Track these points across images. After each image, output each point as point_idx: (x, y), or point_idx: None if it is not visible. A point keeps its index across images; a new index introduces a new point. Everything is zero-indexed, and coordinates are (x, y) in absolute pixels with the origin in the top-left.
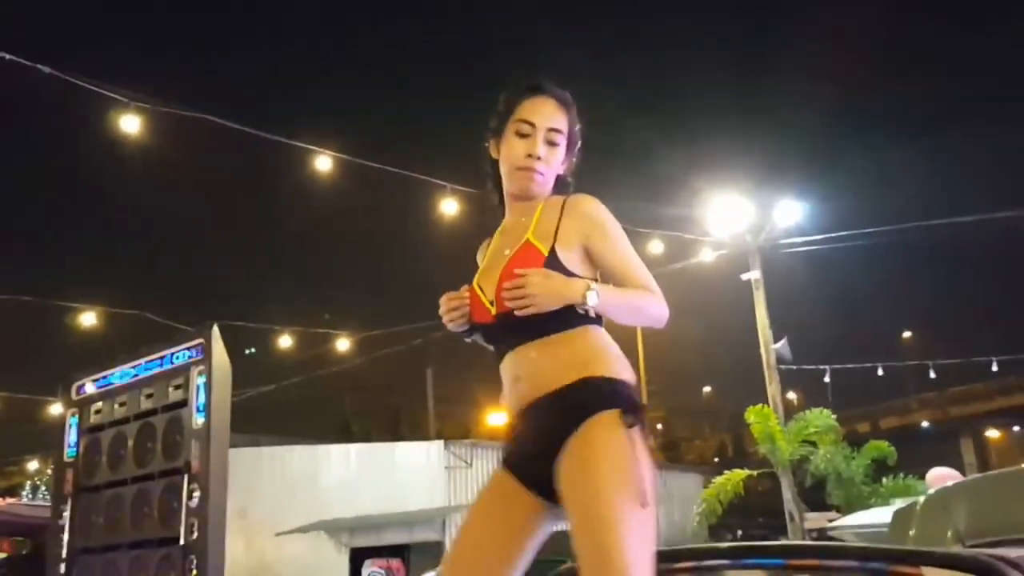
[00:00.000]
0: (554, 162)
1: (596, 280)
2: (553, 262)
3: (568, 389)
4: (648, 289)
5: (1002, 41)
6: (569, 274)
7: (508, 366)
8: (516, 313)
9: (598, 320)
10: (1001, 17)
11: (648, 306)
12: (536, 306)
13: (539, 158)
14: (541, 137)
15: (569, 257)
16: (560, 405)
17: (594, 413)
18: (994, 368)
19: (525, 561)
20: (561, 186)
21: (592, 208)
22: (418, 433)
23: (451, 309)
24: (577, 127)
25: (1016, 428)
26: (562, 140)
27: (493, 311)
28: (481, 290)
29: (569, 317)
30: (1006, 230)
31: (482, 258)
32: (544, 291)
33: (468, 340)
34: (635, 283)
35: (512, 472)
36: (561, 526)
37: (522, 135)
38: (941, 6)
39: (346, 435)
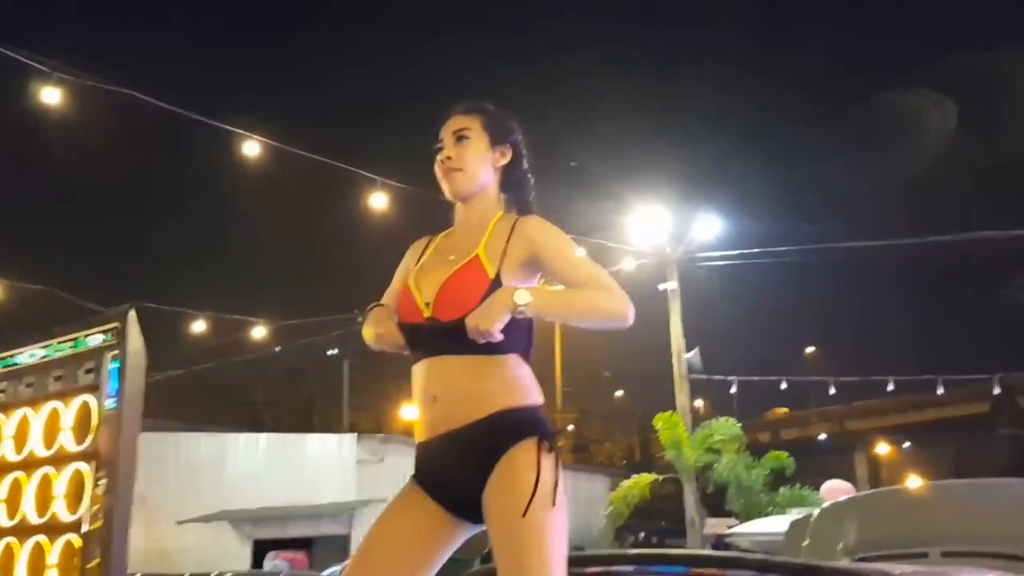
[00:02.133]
0: (469, 156)
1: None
2: (497, 286)
3: (487, 421)
4: (600, 286)
5: (922, 61)
6: None
7: (425, 377)
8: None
9: (527, 348)
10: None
11: (598, 301)
12: (490, 328)
13: (447, 158)
14: (449, 142)
15: (513, 281)
16: (481, 437)
17: (515, 443)
18: (890, 387)
19: (432, 567)
20: (521, 201)
21: (535, 228)
22: (331, 426)
23: (382, 333)
24: (503, 130)
25: (907, 444)
26: (472, 133)
27: (426, 313)
28: (417, 289)
29: (498, 341)
30: (909, 256)
31: (416, 255)
32: (484, 317)
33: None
34: (589, 285)
35: (427, 492)
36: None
37: (438, 151)
38: (865, 28)
39: (257, 425)
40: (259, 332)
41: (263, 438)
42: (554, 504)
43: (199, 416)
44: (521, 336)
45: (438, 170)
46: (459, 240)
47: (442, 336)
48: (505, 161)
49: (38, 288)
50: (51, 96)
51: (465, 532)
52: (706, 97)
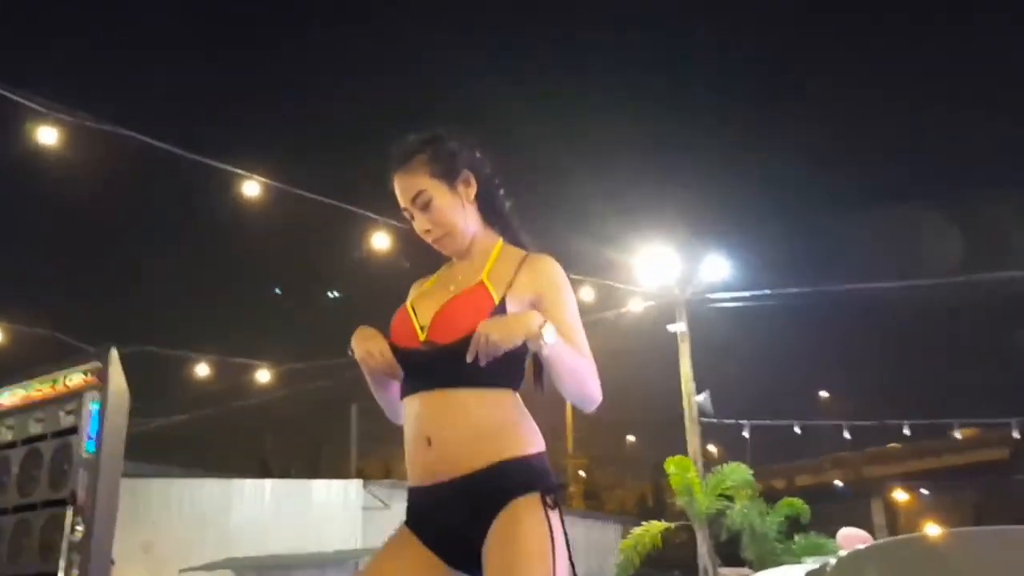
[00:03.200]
0: (445, 214)
1: None
2: (501, 312)
3: (486, 473)
4: (585, 356)
5: (929, 106)
6: None
7: (417, 415)
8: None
9: (519, 383)
10: (925, 87)
11: (589, 376)
12: (501, 342)
13: (427, 231)
14: (415, 212)
15: (516, 311)
16: (481, 488)
17: (518, 495)
18: (906, 431)
19: None
20: (496, 215)
21: (550, 268)
22: (339, 471)
23: (372, 349)
24: (451, 164)
25: (924, 491)
26: (430, 191)
27: (422, 336)
28: (414, 313)
29: (496, 373)
30: (924, 299)
31: (418, 290)
32: (500, 327)
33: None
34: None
35: (421, 540)
36: None
37: (409, 218)
38: (880, 67)
39: (264, 471)
40: (264, 376)
41: (268, 484)
42: (558, 567)
43: (206, 463)
44: (518, 370)
45: (424, 239)
46: (460, 270)
47: (438, 362)
48: (474, 189)
49: (37, 332)
50: (48, 136)
51: None
52: (716, 138)
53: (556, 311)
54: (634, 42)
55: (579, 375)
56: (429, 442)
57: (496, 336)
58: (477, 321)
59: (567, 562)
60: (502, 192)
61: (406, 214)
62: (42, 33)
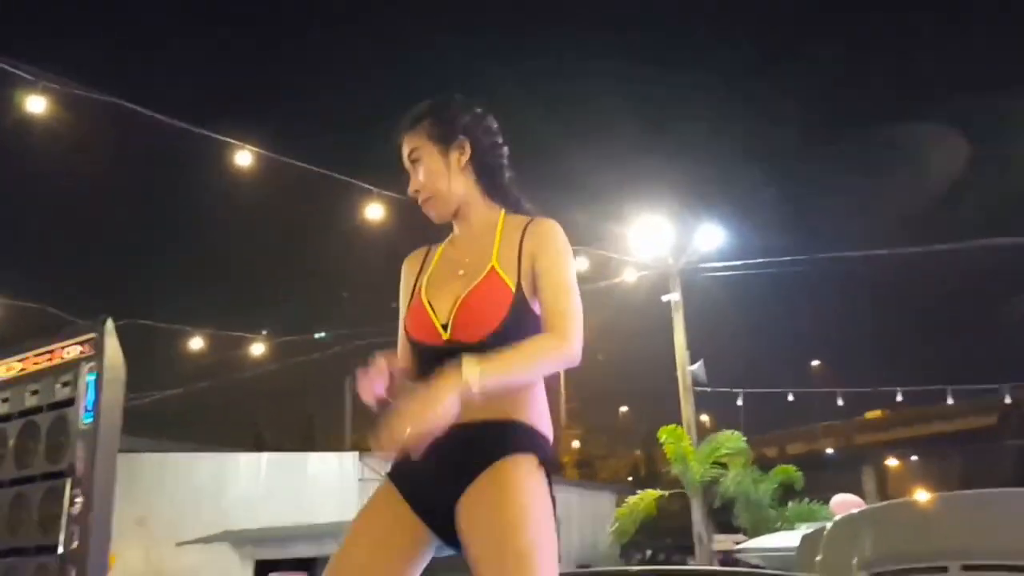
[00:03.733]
0: (430, 177)
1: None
2: (519, 300)
3: (486, 425)
4: (555, 333)
5: (919, 81)
6: (531, 313)
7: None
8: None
9: None
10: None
11: (546, 362)
12: (425, 431)
13: (416, 191)
14: (411, 170)
15: (531, 292)
16: (475, 438)
17: (509, 454)
18: (898, 398)
19: None
20: (496, 189)
21: (548, 232)
22: (334, 444)
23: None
24: (450, 128)
25: (914, 457)
26: (423, 152)
27: (445, 336)
28: (431, 308)
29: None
30: (914, 265)
31: (416, 267)
32: (416, 422)
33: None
34: (553, 313)
35: (403, 494)
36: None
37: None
38: (869, 30)
39: (259, 444)
40: (258, 349)
41: (264, 458)
42: (550, 530)
43: (200, 437)
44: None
45: (416, 201)
46: (465, 250)
47: (458, 355)
48: (466, 156)
49: (29, 305)
50: (37, 105)
51: (433, 545)
52: (709, 107)
53: (545, 275)
54: (627, 13)
55: (541, 369)
56: None
57: (416, 432)
58: (499, 315)
59: (554, 523)
60: (504, 163)
61: (408, 175)
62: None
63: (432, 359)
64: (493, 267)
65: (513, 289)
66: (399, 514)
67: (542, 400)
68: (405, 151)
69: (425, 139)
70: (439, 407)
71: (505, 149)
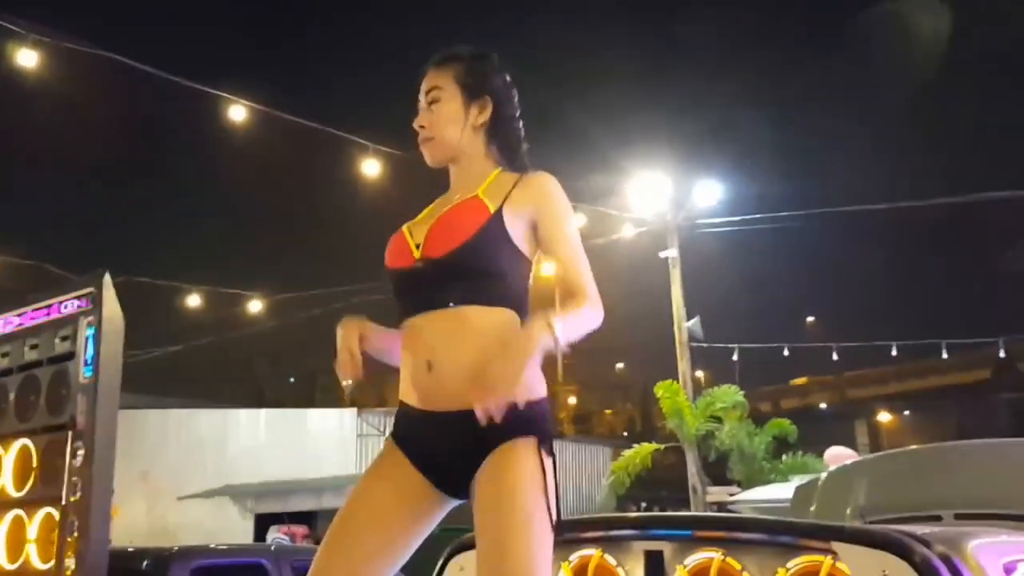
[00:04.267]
0: (442, 120)
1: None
2: (497, 222)
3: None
4: (584, 295)
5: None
6: (508, 240)
7: (416, 337)
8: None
9: (522, 303)
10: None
11: (592, 320)
12: (516, 391)
13: (421, 126)
14: (423, 105)
15: (514, 224)
16: (477, 428)
17: (512, 438)
18: (893, 353)
19: (412, 543)
20: (509, 157)
21: (546, 183)
22: (334, 401)
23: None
24: (479, 82)
25: (907, 412)
26: (444, 93)
27: (417, 254)
28: (409, 234)
29: (497, 290)
30: (911, 219)
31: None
32: (508, 372)
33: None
34: (576, 277)
35: (409, 458)
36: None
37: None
38: None
39: (259, 400)
40: (257, 306)
41: (264, 413)
42: (548, 511)
43: (201, 392)
44: (521, 290)
45: (418, 136)
46: (454, 192)
47: (434, 277)
48: (485, 117)
49: (26, 263)
50: (28, 59)
51: (444, 502)
52: (705, 59)
53: (550, 228)
54: None
55: (583, 329)
56: (429, 367)
57: (504, 390)
58: (469, 228)
59: (555, 508)
60: (521, 136)
61: (417, 105)
62: None
63: (406, 286)
64: (476, 194)
65: (491, 211)
66: (407, 472)
67: (539, 373)
68: (426, 84)
69: (451, 81)
70: (527, 366)
71: (521, 124)
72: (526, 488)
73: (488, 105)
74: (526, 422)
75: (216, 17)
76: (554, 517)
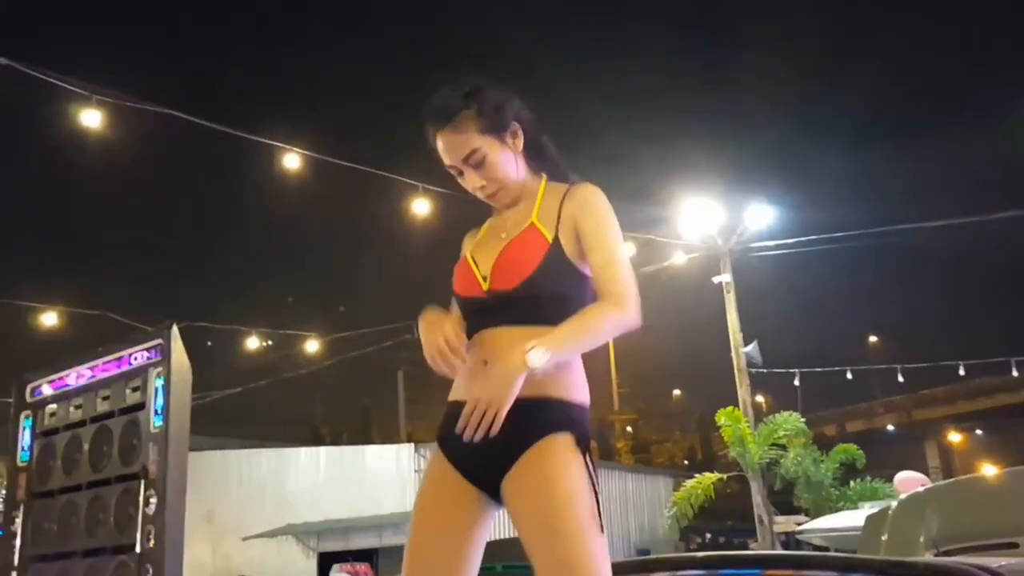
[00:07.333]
0: (493, 171)
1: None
2: (556, 250)
3: (528, 403)
4: (611, 300)
5: (975, 50)
6: (569, 265)
7: (479, 343)
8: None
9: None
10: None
11: (607, 328)
12: (500, 406)
13: (481, 187)
14: (465, 169)
15: (569, 245)
16: (518, 417)
17: (550, 433)
18: (961, 372)
19: (478, 556)
20: (551, 167)
21: (590, 195)
22: (389, 436)
23: (442, 355)
24: (498, 116)
25: (978, 432)
26: (483, 152)
27: (485, 286)
28: (475, 263)
29: (563, 312)
30: (972, 236)
31: (470, 242)
32: (494, 392)
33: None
34: (605, 279)
35: (454, 464)
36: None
37: (457, 174)
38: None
39: (316, 438)
40: (312, 346)
41: (323, 452)
42: (595, 511)
43: (259, 433)
44: (585, 303)
45: (476, 196)
46: (509, 216)
47: (501, 308)
48: (521, 140)
49: (91, 313)
50: (92, 119)
51: (493, 508)
52: (755, 85)
53: (591, 237)
54: None
55: (603, 337)
56: (485, 363)
57: (492, 405)
58: (533, 262)
59: (594, 497)
60: (546, 136)
61: (452, 171)
62: (84, 21)
63: (475, 312)
64: (532, 222)
65: (550, 240)
66: (456, 484)
67: (579, 369)
68: (458, 152)
69: (478, 134)
70: (509, 391)
71: (540, 122)
72: (570, 475)
73: (517, 129)
74: (566, 420)
75: (267, 69)
76: (600, 516)
